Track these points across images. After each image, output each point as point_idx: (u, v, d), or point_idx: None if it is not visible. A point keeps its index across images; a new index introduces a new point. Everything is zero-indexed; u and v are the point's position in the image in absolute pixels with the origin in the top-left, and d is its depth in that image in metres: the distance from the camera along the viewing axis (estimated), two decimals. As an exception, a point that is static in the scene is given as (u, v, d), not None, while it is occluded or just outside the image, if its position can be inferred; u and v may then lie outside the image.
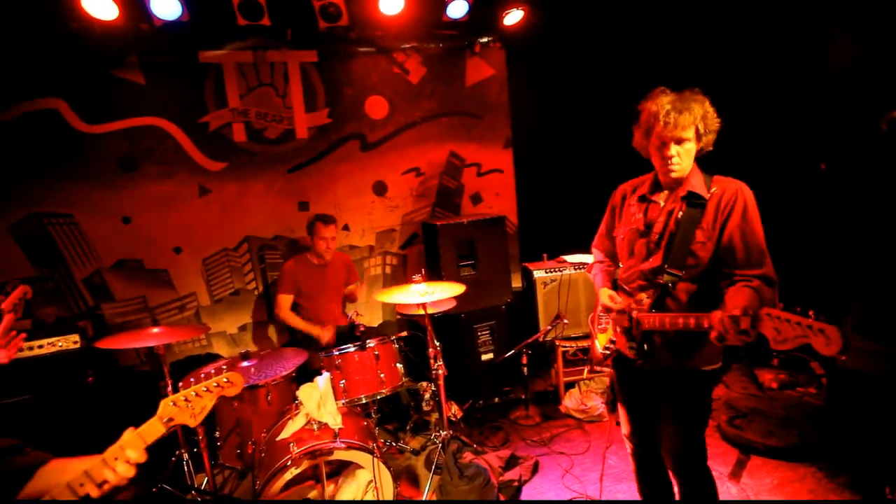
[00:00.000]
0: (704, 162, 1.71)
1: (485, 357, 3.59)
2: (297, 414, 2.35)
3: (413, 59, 3.95)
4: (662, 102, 1.58)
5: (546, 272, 3.56)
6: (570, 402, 3.37)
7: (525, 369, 3.30)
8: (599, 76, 3.95)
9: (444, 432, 2.77)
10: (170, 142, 3.38)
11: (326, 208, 3.72)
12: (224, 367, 1.27)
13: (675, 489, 1.84)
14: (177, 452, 2.57)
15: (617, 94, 3.83)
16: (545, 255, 3.78)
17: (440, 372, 2.74)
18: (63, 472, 1.06)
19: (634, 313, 1.71)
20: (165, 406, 1.15)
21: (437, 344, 2.69)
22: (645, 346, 1.70)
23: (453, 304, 3.17)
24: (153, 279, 3.42)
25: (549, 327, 3.30)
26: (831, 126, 3.15)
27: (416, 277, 2.63)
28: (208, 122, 3.46)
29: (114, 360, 3.25)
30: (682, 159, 1.62)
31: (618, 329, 1.81)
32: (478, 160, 4.24)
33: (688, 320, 1.54)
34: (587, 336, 3.49)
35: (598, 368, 3.57)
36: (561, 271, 3.55)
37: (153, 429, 1.11)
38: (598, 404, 3.28)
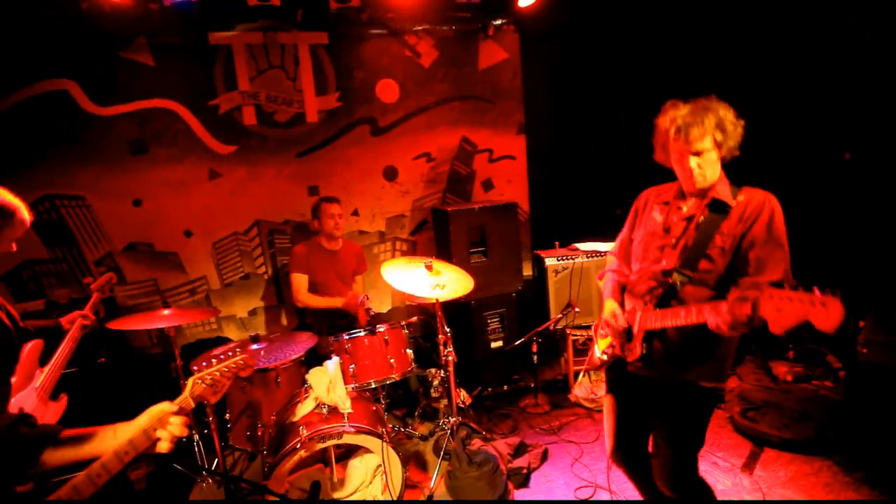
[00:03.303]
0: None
1: (494, 344, 3.57)
2: (306, 398, 2.35)
3: (425, 41, 3.87)
4: (673, 117, 1.54)
5: (558, 260, 3.51)
6: (579, 391, 3.34)
7: (535, 357, 3.27)
8: (615, 61, 3.85)
9: (454, 419, 2.76)
10: (179, 124, 3.36)
11: (336, 193, 3.69)
12: (237, 349, 1.33)
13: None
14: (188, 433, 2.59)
15: (633, 79, 3.77)
16: (557, 243, 3.73)
17: (450, 358, 2.72)
18: (80, 449, 1.12)
19: (638, 312, 1.66)
20: (196, 384, 1.25)
21: (448, 330, 2.67)
22: (644, 347, 1.65)
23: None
24: (164, 262, 3.43)
25: (560, 315, 3.26)
26: (856, 112, 3.04)
27: (427, 261, 2.60)
28: (218, 104, 3.43)
29: (126, 341, 3.29)
30: (703, 170, 1.56)
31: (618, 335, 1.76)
32: (490, 146, 4.17)
33: (688, 313, 1.49)
34: (599, 325, 3.47)
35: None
36: (573, 259, 3.50)
37: (186, 403, 1.22)
38: (608, 394, 3.25)
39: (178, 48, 3.28)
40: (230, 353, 1.30)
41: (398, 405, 3.29)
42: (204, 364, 1.27)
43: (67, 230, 3.20)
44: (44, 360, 1.97)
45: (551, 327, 3.29)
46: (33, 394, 1.80)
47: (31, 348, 1.83)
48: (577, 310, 3.23)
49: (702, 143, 1.51)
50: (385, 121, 3.85)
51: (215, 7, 3.21)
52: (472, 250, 3.52)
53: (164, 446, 1.16)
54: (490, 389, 3.54)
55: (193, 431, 2.57)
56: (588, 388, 3.34)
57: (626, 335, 1.70)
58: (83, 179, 3.19)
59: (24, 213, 1.77)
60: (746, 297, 1.29)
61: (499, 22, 4.00)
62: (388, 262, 2.71)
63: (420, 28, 3.82)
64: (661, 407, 1.68)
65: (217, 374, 1.25)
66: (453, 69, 3.96)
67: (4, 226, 1.69)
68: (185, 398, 1.21)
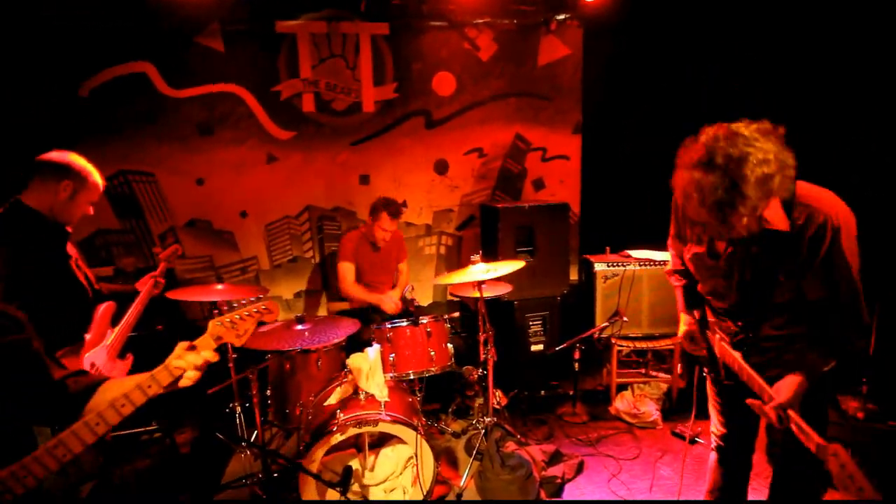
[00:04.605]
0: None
1: (534, 348, 3.48)
2: (344, 382, 2.37)
3: (485, 35, 3.82)
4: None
5: (608, 265, 3.36)
6: (621, 404, 3.19)
7: (576, 365, 3.16)
8: (679, 60, 3.63)
9: (489, 419, 2.71)
10: (243, 109, 3.50)
11: (386, 183, 3.73)
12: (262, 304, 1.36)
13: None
14: (230, 405, 2.69)
15: (697, 80, 3.54)
16: (608, 248, 3.58)
17: (490, 357, 2.67)
18: (122, 385, 1.18)
19: (718, 342, 1.55)
20: (214, 326, 1.27)
21: (490, 328, 2.61)
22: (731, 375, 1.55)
23: (508, 289, 3.08)
24: (220, 240, 3.59)
25: (606, 324, 3.13)
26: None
27: (475, 257, 2.56)
28: (280, 90, 3.54)
29: (181, 312, 3.47)
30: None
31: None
32: (544, 144, 4.06)
33: (751, 380, 1.39)
34: (647, 337, 3.30)
35: (654, 373, 3.38)
36: (624, 266, 3.34)
37: (205, 343, 1.25)
38: (651, 410, 3.08)
39: (246, 35, 3.41)
40: (252, 300, 1.35)
41: (432, 399, 3.27)
42: (225, 308, 1.32)
43: (137, 204, 3.42)
44: (114, 321, 2.09)
45: (596, 335, 3.16)
46: (104, 351, 1.92)
47: (104, 309, 1.95)
48: (625, 319, 3.08)
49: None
50: (439, 114, 3.84)
51: (284, -5, 3.30)
52: (518, 249, 3.44)
53: (187, 379, 1.19)
54: (526, 393, 3.45)
55: (236, 404, 2.66)
56: (630, 402, 3.18)
57: (710, 356, 1.60)
58: (154, 157, 3.40)
59: (97, 178, 1.88)
60: (810, 436, 1.22)
61: (562, 16, 3.88)
62: (443, 277, 2.71)
63: (481, 21, 3.77)
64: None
65: (237, 316, 1.29)
66: (511, 64, 3.89)
67: (79, 189, 1.81)
68: (205, 337, 1.25)
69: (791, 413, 1.27)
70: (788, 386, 1.32)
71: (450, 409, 3.17)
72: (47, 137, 1.92)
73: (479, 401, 3.16)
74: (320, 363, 2.56)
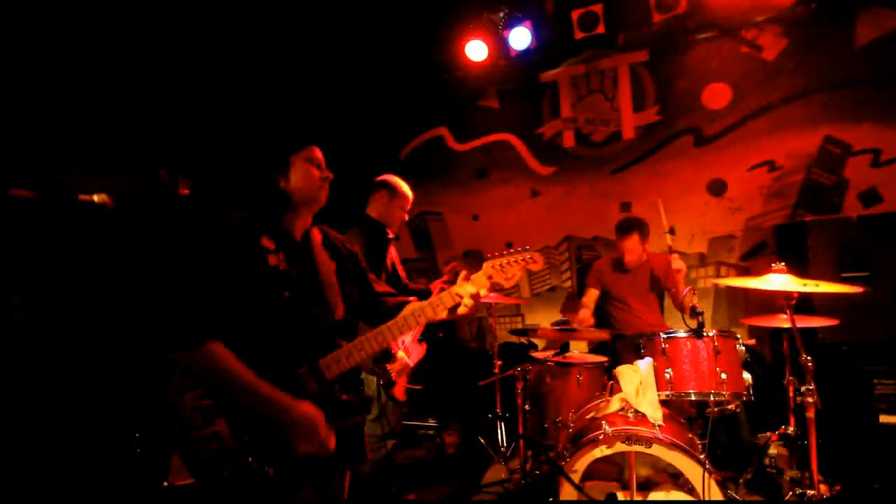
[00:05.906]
0: None
1: (886, 418, 2.43)
2: (610, 400, 2.17)
3: (768, 32, 3.31)
4: None
5: None
6: None
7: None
8: None
9: (811, 492, 1.97)
10: (511, 152, 3.99)
11: (649, 210, 3.47)
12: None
13: None
14: (489, 415, 2.83)
15: None
16: None
17: (809, 400, 2.00)
18: (420, 304, 1.45)
19: None
20: (487, 266, 1.42)
21: (809, 358, 1.97)
22: None
23: (829, 323, 2.30)
24: (489, 268, 4.03)
25: None
26: None
27: (776, 266, 2.05)
28: (543, 132, 3.89)
29: (454, 329, 3.98)
30: None
31: None
32: (875, 145, 3.09)
33: None
34: None
35: None
36: None
37: (479, 279, 1.41)
38: None
39: (515, 91, 3.96)
40: (520, 250, 1.43)
41: (719, 463, 2.62)
42: (497, 254, 1.43)
43: (429, 238, 4.23)
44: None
45: None
46: (410, 333, 2.37)
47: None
48: None
49: None
50: (712, 129, 3.44)
51: (546, 49, 3.70)
52: (843, 274, 2.59)
53: (464, 307, 1.36)
54: (878, 486, 2.38)
55: (498, 411, 2.78)
56: None
57: None
58: (442, 199, 4.20)
59: (404, 188, 2.45)
60: None
61: (893, -19, 3.02)
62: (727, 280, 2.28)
63: (762, 18, 3.30)
64: None
65: (506, 261, 1.40)
66: (811, 55, 3.21)
67: (392, 196, 2.39)
68: (479, 275, 1.40)
69: None
70: None
71: (741, 479, 2.47)
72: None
73: (792, 474, 2.37)
74: (581, 379, 2.44)
